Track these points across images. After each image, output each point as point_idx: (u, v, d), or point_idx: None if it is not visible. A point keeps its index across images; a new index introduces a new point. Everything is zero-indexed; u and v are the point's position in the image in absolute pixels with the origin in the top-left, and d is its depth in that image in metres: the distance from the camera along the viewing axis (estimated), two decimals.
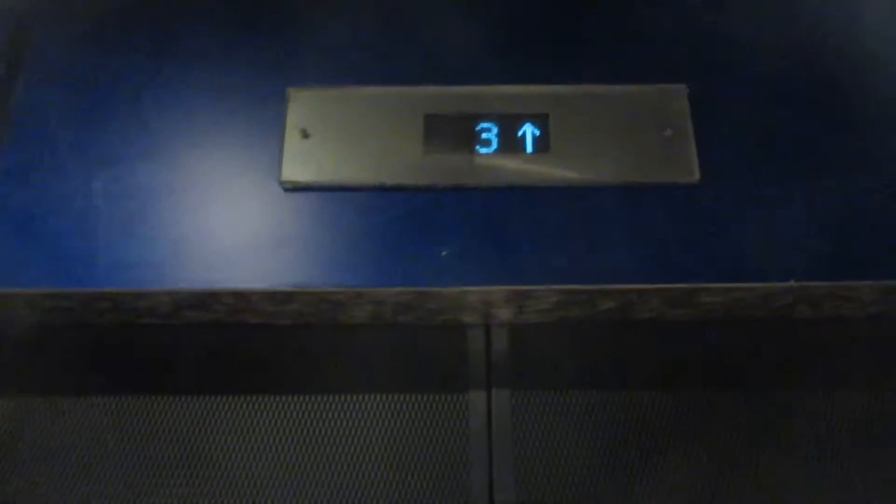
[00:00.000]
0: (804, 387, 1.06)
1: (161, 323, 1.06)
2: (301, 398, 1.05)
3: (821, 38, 1.11)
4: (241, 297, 0.97)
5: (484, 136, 1.02)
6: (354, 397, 1.05)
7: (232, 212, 0.98)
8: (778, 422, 1.04)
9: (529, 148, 1.02)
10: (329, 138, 1.02)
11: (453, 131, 1.02)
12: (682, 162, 1.01)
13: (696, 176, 0.99)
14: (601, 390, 1.05)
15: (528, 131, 1.03)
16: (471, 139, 1.02)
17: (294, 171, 1.00)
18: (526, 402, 1.04)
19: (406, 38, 1.10)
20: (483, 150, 1.01)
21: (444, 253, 0.95)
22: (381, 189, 0.99)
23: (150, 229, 0.97)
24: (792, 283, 0.95)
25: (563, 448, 1.03)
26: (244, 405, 1.04)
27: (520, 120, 1.03)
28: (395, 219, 0.98)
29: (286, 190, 0.99)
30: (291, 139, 1.01)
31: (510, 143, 1.02)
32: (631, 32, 1.11)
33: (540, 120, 1.03)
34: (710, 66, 1.08)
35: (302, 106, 1.03)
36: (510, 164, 1.01)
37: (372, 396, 1.04)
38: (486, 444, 1.02)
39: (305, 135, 1.01)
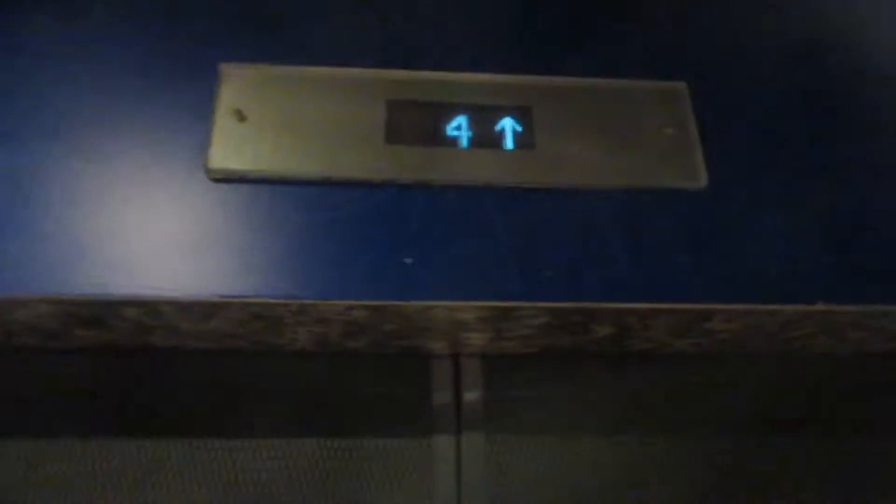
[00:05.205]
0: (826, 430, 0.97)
1: (41, 346, 0.88)
2: (225, 444, 0.90)
3: (835, 30, 1.04)
4: (148, 308, 0.79)
5: (455, 127, 0.91)
6: (291, 443, 0.91)
7: (145, 203, 0.83)
8: (791, 471, 0.94)
9: (510, 143, 0.91)
10: (269, 122, 0.90)
11: (420, 120, 0.92)
12: (687, 165, 0.93)
13: (703, 181, 0.91)
14: (591, 434, 0.94)
15: (508, 126, 0.92)
16: (440, 130, 0.91)
17: (225, 157, 0.87)
18: (502, 449, 0.92)
19: (367, 12, 0.98)
20: (455, 143, 0.90)
21: (407, 261, 0.82)
22: (332, 183, 0.86)
23: (37, 221, 0.81)
24: (820, 305, 0.84)
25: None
26: (153, 451, 0.89)
27: (497, 113, 0.93)
28: (349, 218, 0.84)
29: (214, 180, 0.86)
30: (223, 121, 0.89)
31: (486, 137, 0.92)
32: (626, 22, 1.03)
33: (521, 114, 0.93)
34: (714, 62, 1.01)
35: (238, 84, 0.92)
36: (487, 160, 0.90)
37: (314, 441, 0.91)
38: (454, 498, 0.89)
39: (241, 117, 0.89)
